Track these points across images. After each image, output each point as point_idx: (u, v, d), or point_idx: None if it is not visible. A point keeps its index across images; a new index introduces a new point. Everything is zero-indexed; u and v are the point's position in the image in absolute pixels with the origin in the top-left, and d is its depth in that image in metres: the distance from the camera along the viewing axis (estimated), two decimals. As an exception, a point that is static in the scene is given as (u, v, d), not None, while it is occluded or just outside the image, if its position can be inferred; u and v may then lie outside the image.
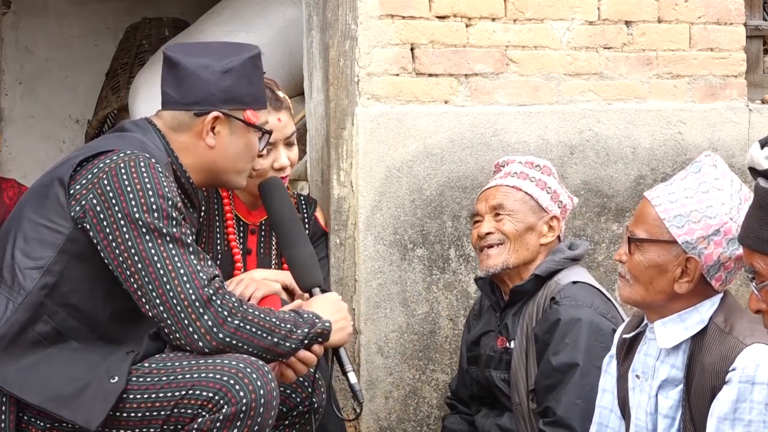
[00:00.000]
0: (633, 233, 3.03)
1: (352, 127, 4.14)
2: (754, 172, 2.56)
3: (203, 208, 3.84)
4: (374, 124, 4.14)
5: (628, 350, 3.16)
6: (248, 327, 3.06)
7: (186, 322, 3.02)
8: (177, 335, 3.03)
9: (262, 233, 3.91)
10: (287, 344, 3.12)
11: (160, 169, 3.07)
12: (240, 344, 3.05)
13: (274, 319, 3.10)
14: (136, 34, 6.56)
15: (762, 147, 2.55)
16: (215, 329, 3.03)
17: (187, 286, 3.01)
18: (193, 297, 3.01)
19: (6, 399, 3.00)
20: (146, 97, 5.32)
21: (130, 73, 6.26)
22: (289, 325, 3.12)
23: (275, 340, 3.09)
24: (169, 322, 3.02)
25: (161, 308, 3.02)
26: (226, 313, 3.03)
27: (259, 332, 3.07)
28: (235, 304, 3.06)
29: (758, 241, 2.52)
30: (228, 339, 3.04)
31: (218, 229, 3.85)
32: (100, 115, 6.36)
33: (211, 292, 3.03)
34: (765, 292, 2.54)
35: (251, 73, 3.25)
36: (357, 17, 4.13)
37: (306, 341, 3.14)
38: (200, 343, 3.03)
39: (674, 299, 2.99)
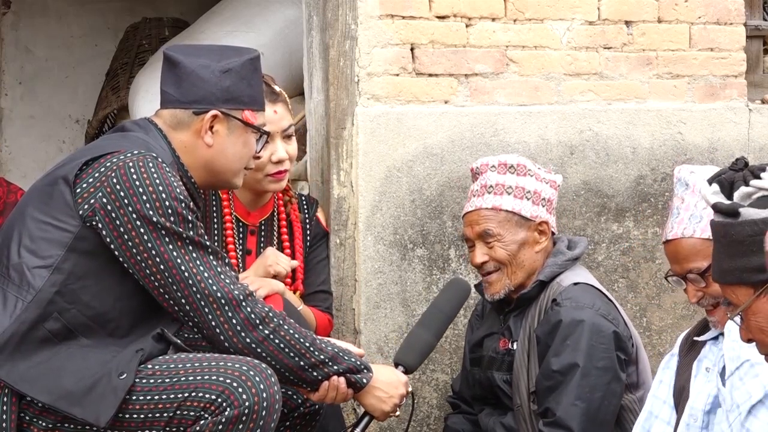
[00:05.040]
0: (695, 269, 3.09)
1: (352, 127, 4.14)
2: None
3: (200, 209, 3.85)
4: (374, 124, 4.14)
5: (690, 346, 3.18)
6: (277, 341, 3.11)
7: (210, 317, 3.07)
8: (204, 331, 3.10)
9: (262, 233, 3.91)
10: (314, 373, 3.16)
11: (167, 169, 3.09)
12: (264, 354, 3.10)
13: (308, 344, 3.15)
14: (136, 34, 6.56)
15: (710, 183, 2.59)
16: (243, 333, 3.08)
17: (214, 288, 3.07)
18: (219, 295, 3.06)
19: (8, 399, 3.00)
20: (146, 97, 5.32)
21: (130, 73, 6.26)
22: (323, 356, 3.17)
23: (302, 363, 3.14)
24: (195, 319, 3.09)
25: (186, 307, 3.07)
26: (258, 320, 3.09)
27: (286, 350, 3.12)
28: (269, 314, 3.11)
29: (721, 273, 2.55)
30: (254, 345, 3.09)
31: (216, 231, 3.85)
32: (100, 115, 6.36)
33: (241, 297, 3.08)
34: (747, 321, 2.55)
35: (250, 74, 3.26)
36: (357, 17, 4.13)
37: (336, 376, 3.19)
38: (226, 344, 3.09)
39: None
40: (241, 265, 3.85)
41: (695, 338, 3.18)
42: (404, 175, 4.17)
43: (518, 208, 3.73)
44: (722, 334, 3.10)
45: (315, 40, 4.26)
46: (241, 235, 3.89)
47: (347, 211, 4.15)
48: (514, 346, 3.73)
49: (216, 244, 3.84)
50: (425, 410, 4.22)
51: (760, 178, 2.53)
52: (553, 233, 3.82)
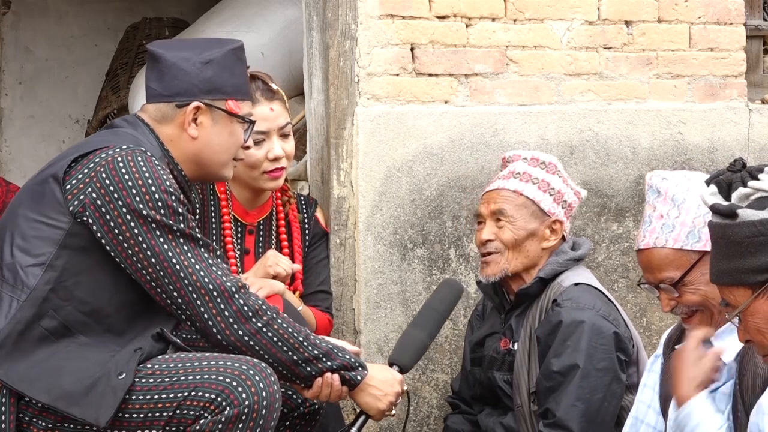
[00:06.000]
0: (668, 279, 3.05)
1: (352, 127, 4.14)
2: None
3: (198, 209, 3.84)
4: (374, 124, 4.14)
5: (672, 351, 3.17)
6: (270, 334, 3.09)
7: (203, 310, 3.06)
8: (196, 324, 3.09)
9: (260, 233, 3.91)
10: (308, 368, 3.15)
11: (157, 162, 3.09)
12: (257, 347, 3.09)
13: (302, 339, 3.13)
14: (136, 34, 6.57)
15: (708, 184, 2.59)
16: (236, 325, 3.07)
17: (206, 279, 3.06)
18: (211, 287, 3.05)
19: (6, 399, 3.00)
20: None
21: (130, 73, 6.26)
22: (317, 351, 3.15)
23: (295, 358, 3.12)
24: (188, 312, 3.08)
25: (179, 300, 3.06)
26: (251, 313, 3.08)
27: (279, 343, 3.10)
28: (263, 307, 3.10)
29: (719, 274, 2.55)
30: (246, 338, 3.08)
31: (214, 230, 3.85)
32: (100, 115, 6.36)
33: (233, 288, 3.07)
34: (744, 322, 2.55)
35: (233, 64, 3.25)
36: (357, 17, 4.13)
37: (330, 373, 3.17)
38: (218, 336, 3.08)
39: None
40: (239, 264, 3.85)
41: (675, 347, 3.16)
42: (404, 175, 4.17)
43: (539, 199, 3.75)
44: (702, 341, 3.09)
45: (315, 40, 4.26)
46: (239, 235, 3.88)
47: (347, 211, 4.15)
48: (515, 347, 3.73)
49: (214, 243, 3.84)
50: (425, 410, 4.22)
51: (757, 179, 2.54)
52: (563, 238, 3.81)
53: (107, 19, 7.11)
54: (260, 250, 3.89)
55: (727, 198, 2.55)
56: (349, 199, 4.15)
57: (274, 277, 3.74)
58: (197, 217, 3.83)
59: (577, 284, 3.68)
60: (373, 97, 4.15)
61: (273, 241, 3.92)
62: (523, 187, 3.76)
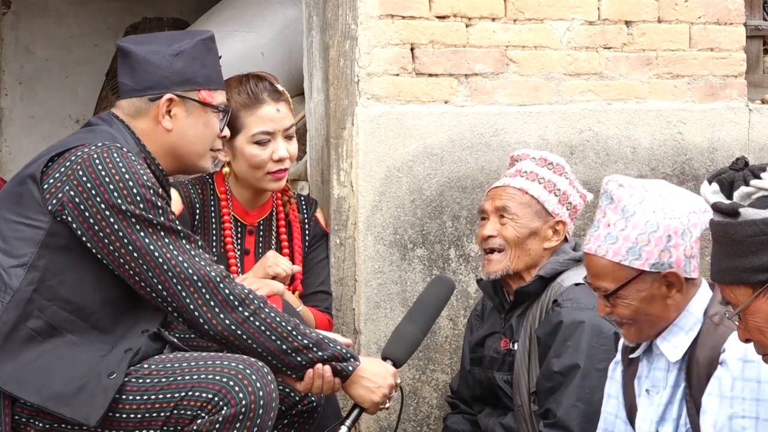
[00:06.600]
0: (603, 289, 3.05)
1: (352, 127, 4.14)
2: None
3: (198, 210, 3.84)
4: (374, 124, 4.14)
5: (629, 359, 3.17)
6: (257, 323, 3.08)
7: (188, 301, 3.06)
8: (183, 316, 3.08)
9: (260, 233, 3.91)
10: (298, 358, 3.14)
11: (133, 158, 3.08)
12: (245, 336, 3.08)
13: (290, 328, 3.12)
14: (136, 34, 6.57)
15: (710, 183, 2.59)
16: (222, 315, 3.06)
17: (189, 270, 3.05)
18: (195, 278, 3.05)
19: (0, 401, 3.00)
20: (146, 97, 5.31)
21: (130, 73, 6.25)
22: (307, 341, 3.14)
23: (284, 347, 3.11)
24: (174, 304, 3.07)
25: (164, 293, 3.06)
26: (237, 302, 3.07)
27: (267, 332, 3.09)
28: (249, 296, 3.09)
29: (720, 273, 2.56)
30: (234, 327, 3.07)
31: (214, 231, 3.85)
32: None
33: (218, 278, 3.07)
34: (745, 321, 2.55)
35: (204, 54, 3.25)
36: (357, 17, 4.13)
37: (321, 364, 3.15)
38: (205, 326, 3.07)
39: (670, 313, 3.03)
40: (239, 264, 3.85)
41: (630, 356, 3.16)
42: (404, 175, 4.17)
43: (544, 198, 3.75)
44: (652, 347, 3.09)
45: (315, 40, 4.26)
46: (239, 235, 3.88)
47: (347, 211, 4.15)
48: (515, 347, 3.73)
49: (214, 244, 3.84)
50: (425, 410, 4.22)
51: (760, 177, 2.53)
52: (566, 239, 3.81)
53: (107, 19, 7.12)
54: (260, 250, 3.89)
55: (729, 197, 2.55)
56: (349, 199, 4.15)
57: (274, 278, 3.74)
58: (196, 216, 3.84)
59: (577, 284, 3.67)
60: (373, 97, 4.15)
61: (273, 242, 3.92)
62: (529, 186, 3.77)
